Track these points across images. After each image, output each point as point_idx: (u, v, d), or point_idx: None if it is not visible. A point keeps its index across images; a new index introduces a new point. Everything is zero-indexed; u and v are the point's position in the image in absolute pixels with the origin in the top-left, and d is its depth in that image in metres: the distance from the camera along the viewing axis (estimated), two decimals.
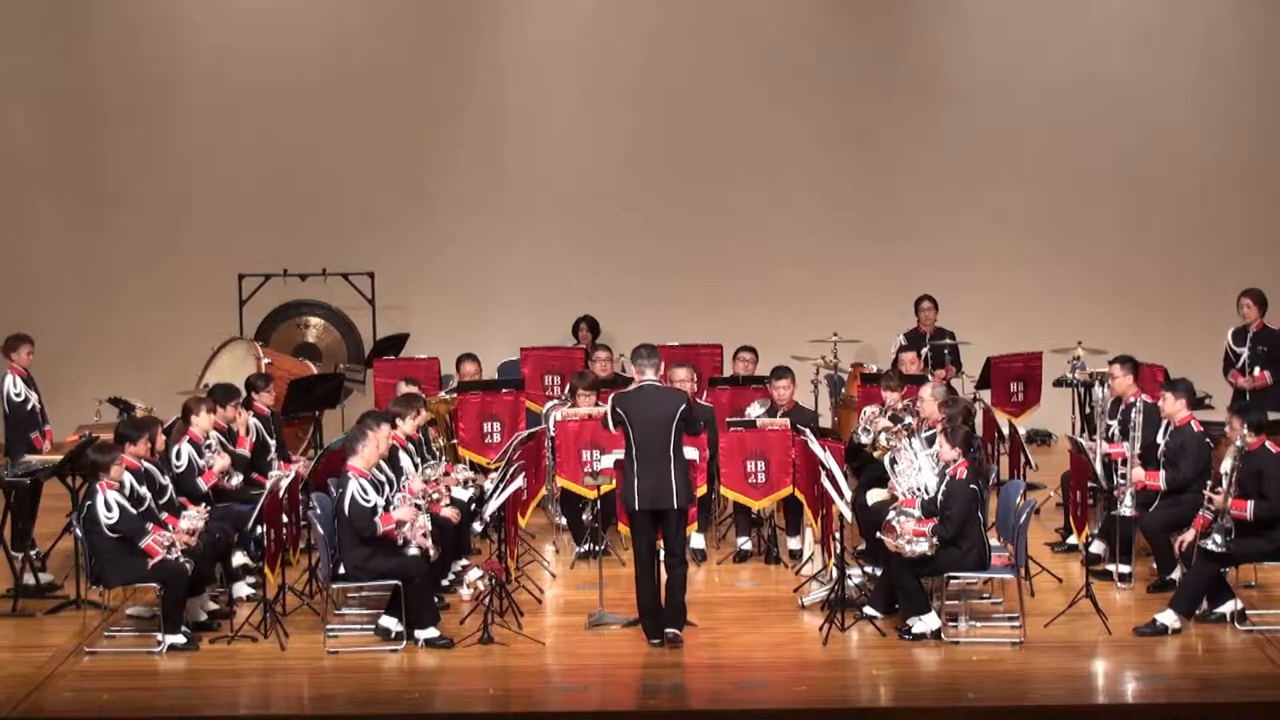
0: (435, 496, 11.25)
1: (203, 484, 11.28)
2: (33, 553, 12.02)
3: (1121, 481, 11.29)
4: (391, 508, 10.56)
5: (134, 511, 10.33)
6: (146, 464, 10.83)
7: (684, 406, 10.39)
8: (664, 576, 10.42)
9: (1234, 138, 16.77)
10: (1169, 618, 10.43)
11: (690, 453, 10.73)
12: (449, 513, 11.25)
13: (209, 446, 11.48)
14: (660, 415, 10.33)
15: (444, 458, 12.36)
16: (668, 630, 10.35)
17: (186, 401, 11.70)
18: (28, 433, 12.34)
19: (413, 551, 10.58)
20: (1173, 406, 11.28)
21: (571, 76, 16.94)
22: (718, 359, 14.46)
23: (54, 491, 12.20)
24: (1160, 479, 11.17)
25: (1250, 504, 10.35)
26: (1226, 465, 10.53)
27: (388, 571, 10.43)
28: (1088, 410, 14.11)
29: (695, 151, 16.94)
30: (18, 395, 12.40)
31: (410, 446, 11.53)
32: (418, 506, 10.77)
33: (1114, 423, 11.90)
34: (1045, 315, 16.20)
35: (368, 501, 10.41)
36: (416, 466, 11.44)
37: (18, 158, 16.91)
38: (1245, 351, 13.29)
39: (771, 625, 10.88)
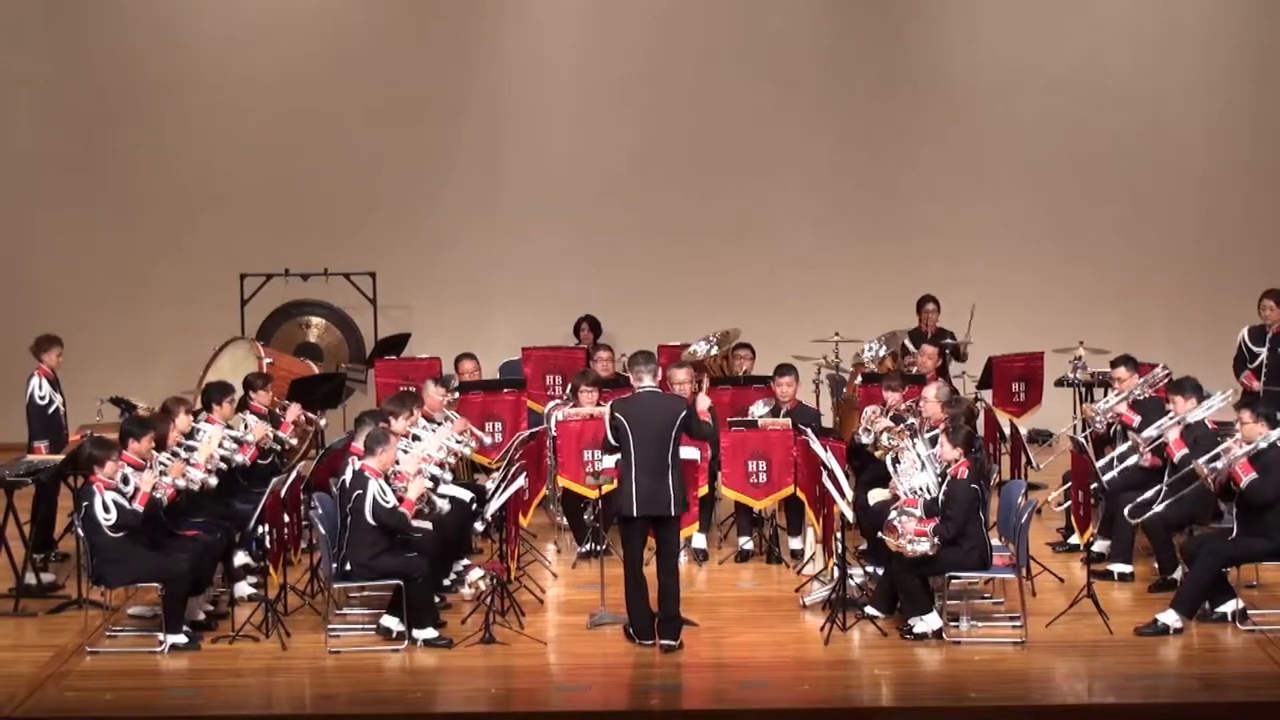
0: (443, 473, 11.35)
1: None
2: (51, 554, 12.08)
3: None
4: (400, 491, 10.59)
5: (129, 507, 10.33)
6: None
7: (684, 413, 10.37)
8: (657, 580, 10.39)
9: (1234, 137, 16.78)
10: (1170, 617, 10.43)
11: (690, 453, 10.70)
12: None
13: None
14: (660, 421, 10.29)
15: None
16: (662, 642, 10.31)
17: (165, 402, 11.71)
18: (37, 438, 12.31)
19: (444, 504, 10.68)
20: (1183, 407, 11.29)
21: (573, 76, 16.94)
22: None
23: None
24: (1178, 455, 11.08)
25: (1253, 475, 10.31)
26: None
27: (391, 570, 10.43)
28: None
29: (697, 151, 16.94)
30: (42, 398, 12.38)
31: (404, 441, 11.50)
32: (431, 475, 10.97)
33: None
34: (1047, 315, 16.20)
35: (387, 502, 10.43)
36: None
37: (21, 158, 16.91)
38: (1264, 352, 13.27)
39: (773, 625, 10.88)
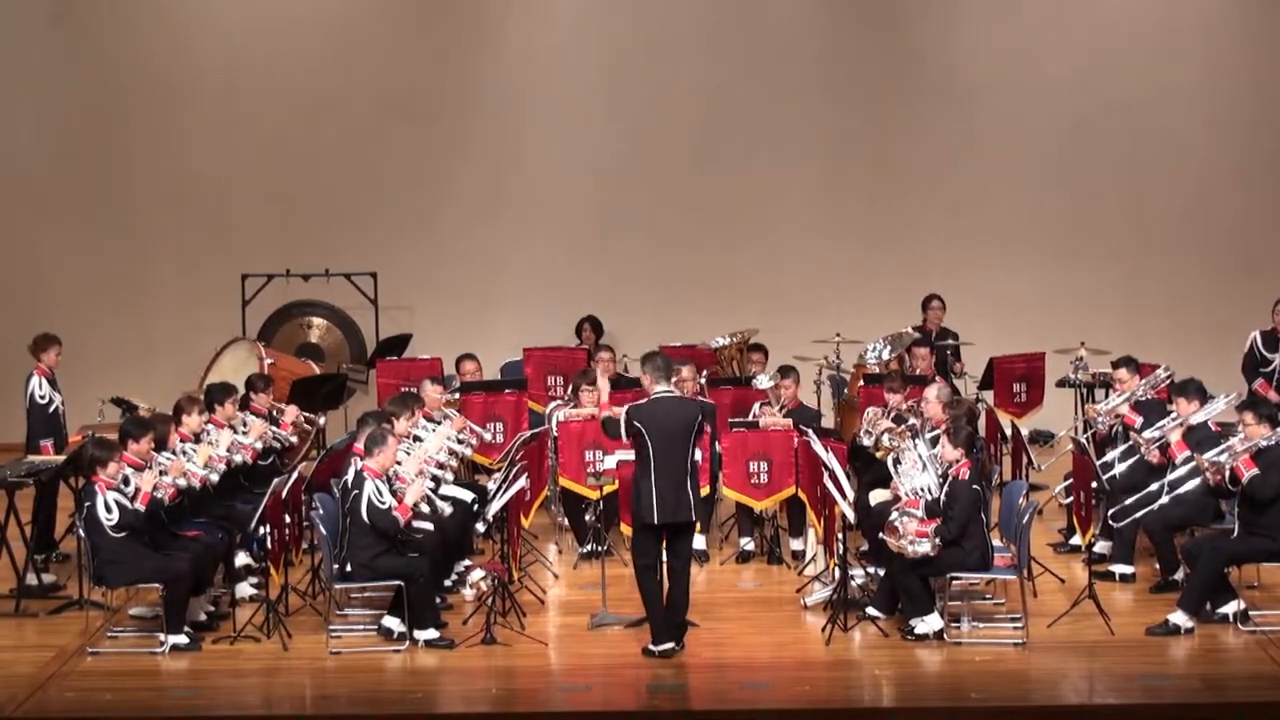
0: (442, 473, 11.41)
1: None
2: (52, 554, 12.08)
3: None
4: (398, 492, 10.59)
5: (131, 507, 10.33)
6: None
7: (700, 417, 10.31)
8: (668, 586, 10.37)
9: (1235, 139, 16.77)
10: (1181, 618, 10.43)
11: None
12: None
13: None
14: (678, 426, 10.18)
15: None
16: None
17: (179, 400, 11.71)
18: (40, 438, 12.33)
19: (447, 508, 10.72)
20: (1186, 409, 11.29)
21: (576, 78, 16.93)
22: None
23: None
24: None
25: (1255, 471, 10.33)
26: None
27: (392, 571, 10.43)
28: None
29: (699, 153, 16.93)
30: (42, 397, 12.39)
31: (405, 443, 11.49)
32: (432, 476, 11.01)
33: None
34: (1048, 316, 16.19)
35: (383, 503, 10.42)
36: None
37: (25, 159, 16.91)
38: (1277, 359, 13.25)
39: (774, 625, 10.88)
